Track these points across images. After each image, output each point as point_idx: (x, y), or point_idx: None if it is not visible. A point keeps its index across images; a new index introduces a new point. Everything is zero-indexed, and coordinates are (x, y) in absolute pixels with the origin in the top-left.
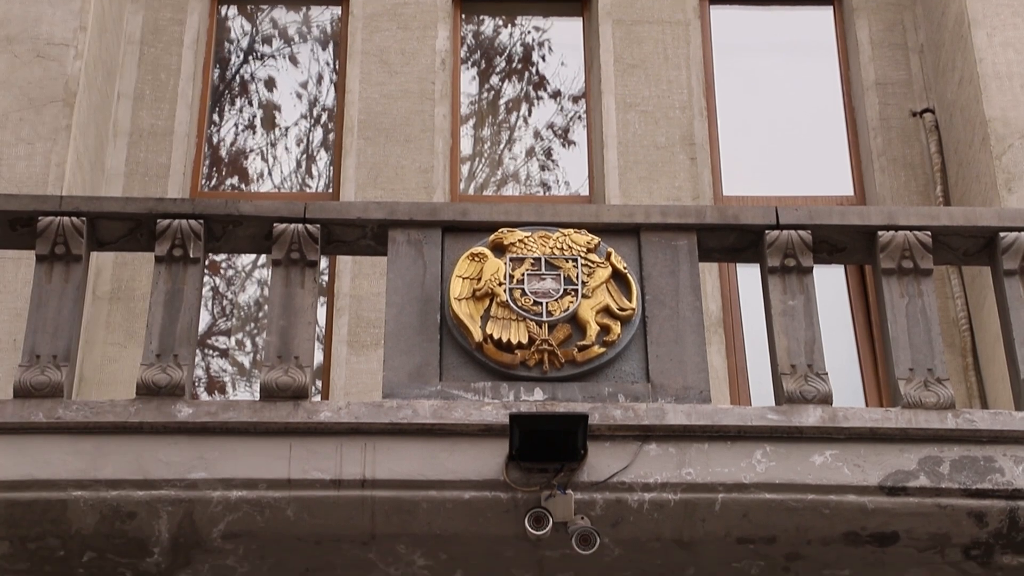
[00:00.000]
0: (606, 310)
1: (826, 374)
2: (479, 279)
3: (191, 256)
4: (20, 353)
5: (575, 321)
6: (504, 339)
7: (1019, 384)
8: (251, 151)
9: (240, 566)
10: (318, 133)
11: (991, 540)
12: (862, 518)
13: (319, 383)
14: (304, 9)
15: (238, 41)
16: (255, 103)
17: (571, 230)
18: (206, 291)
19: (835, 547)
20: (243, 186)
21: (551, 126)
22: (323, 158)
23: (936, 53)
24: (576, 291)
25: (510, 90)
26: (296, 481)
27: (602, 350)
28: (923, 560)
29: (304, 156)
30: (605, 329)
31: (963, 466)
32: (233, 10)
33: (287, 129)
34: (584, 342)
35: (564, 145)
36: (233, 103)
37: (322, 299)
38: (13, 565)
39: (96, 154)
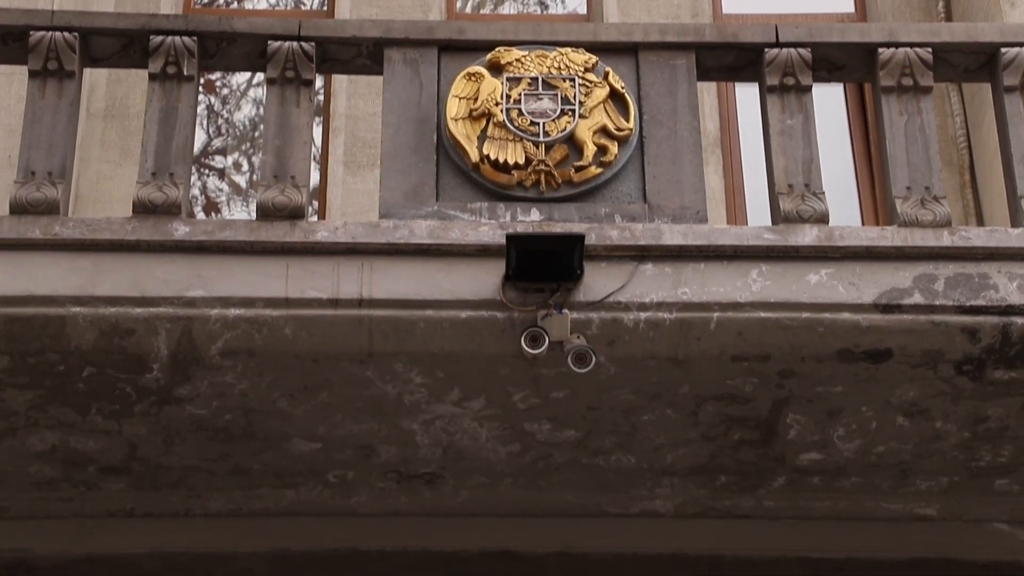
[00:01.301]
0: (603, 130)
1: (823, 193)
2: (476, 99)
3: (185, 73)
4: (15, 170)
5: (572, 141)
6: (501, 159)
7: (1016, 201)
8: None
9: (239, 383)
10: None
11: (983, 355)
12: (856, 336)
13: (316, 204)
14: None
15: None
16: None
17: (569, 49)
18: (201, 110)
19: (828, 364)
20: (237, 3)
21: None
22: None
23: None
24: (573, 111)
25: None
26: (293, 300)
27: (599, 171)
28: (915, 376)
29: None
30: (602, 150)
31: (957, 283)
32: None
33: None
34: (581, 163)
35: None
36: None
37: (318, 119)
38: (14, 379)
39: None
